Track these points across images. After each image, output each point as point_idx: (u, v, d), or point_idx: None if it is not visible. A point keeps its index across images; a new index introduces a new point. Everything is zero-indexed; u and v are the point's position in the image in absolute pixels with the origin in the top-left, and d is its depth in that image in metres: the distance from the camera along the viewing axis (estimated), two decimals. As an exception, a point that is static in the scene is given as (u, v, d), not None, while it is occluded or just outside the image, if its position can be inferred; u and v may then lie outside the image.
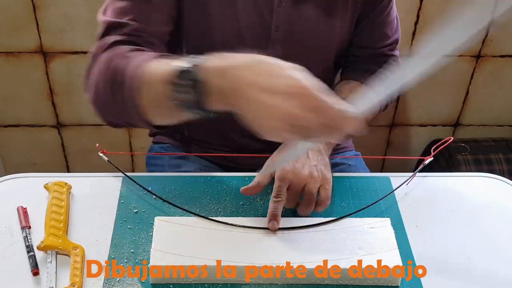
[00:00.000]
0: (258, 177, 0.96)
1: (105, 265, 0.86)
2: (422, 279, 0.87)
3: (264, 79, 0.70)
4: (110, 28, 0.93)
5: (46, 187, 0.98)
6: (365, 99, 0.73)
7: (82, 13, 1.64)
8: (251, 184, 0.96)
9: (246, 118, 0.72)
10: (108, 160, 1.02)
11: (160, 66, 0.78)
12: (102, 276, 0.85)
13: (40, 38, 1.68)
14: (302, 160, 0.93)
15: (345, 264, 0.84)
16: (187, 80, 0.73)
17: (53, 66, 1.74)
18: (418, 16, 1.70)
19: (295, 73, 0.71)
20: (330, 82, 1.16)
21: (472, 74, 1.85)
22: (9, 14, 1.64)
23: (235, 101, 0.71)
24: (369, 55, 1.13)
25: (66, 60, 1.72)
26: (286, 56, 1.02)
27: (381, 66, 1.13)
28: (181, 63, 0.74)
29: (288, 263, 0.84)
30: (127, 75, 0.82)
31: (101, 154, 1.02)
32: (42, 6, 1.63)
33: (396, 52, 1.15)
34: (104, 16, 0.95)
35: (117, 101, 0.85)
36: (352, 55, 1.14)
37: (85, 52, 1.71)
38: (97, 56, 0.91)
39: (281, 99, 0.69)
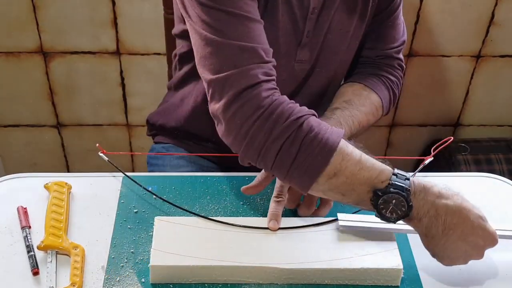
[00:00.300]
0: (259, 176, 0.96)
1: (105, 265, 0.87)
2: (422, 279, 0.87)
3: (466, 230, 0.82)
4: (262, 81, 0.84)
5: (46, 187, 0.98)
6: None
7: (82, 13, 1.64)
8: (252, 183, 0.96)
9: (433, 247, 0.84)
10: (108, 160, 1.02)
11: (365, 167, 0.82)
12: (102, 276, 0.85)
13: (40, 38, 1.68)
14: None
15: (345, 264, 0.84)
16: (400, 204, 0.81)
17: (53, 66, 1.74)
18: (418, 16, 1.70)
19: (489, 227, 0.84)
20: (342, 81, 1.17)
21: (472, 74, 1.85)
22: (9, 14, 1.63)
23: (433, 234, 0.82)
24: (375, 56, 1.13)
25: (66, 60, 1.72)
26: (311, 59, 1.03)
27: (386, 71, 1.13)
28: (396, 180, 0.81)
29: (288, 263, 0.84)
30: (316, 157, 0.81)
31: (101, 154, 1.02)
32: (42, 6, 1.62)
33: (401, 56, 1.15)
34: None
35: (287, 161, 0.82)
36: (359, 56, 1.14)
37: (85, 52, 1.71)
38: (255, 92, 0.83)
39: (472, 247, 0.83)
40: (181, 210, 0.95)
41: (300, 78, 1.07)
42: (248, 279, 0.85)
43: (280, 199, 0.92)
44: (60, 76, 1.76)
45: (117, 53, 1.72)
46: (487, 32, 1.75)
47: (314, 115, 0.86)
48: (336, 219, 0.91)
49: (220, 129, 0.87)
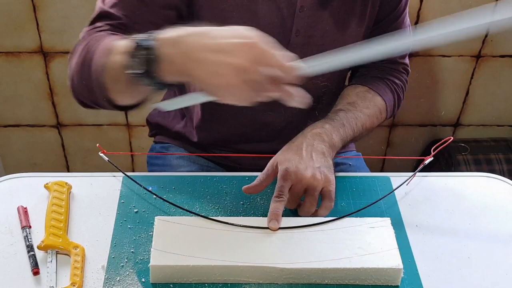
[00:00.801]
0: (260, 176, 0.96)
1: (105, 264, 0.87)
2: (422, 279, 0.87)
3: (212, 41, 0.73)
4: (101, 16, 0.95)
5: (46, 186, 0.98)
6: (318, 61, 0.79)
7: (82, 13, 1.64)
8: (253, 183, 0.97)
9: (200, 83, 0.75)
10: (108, 160, 1.02)
11: (123, 42, 0.81)
12: (102, 275, 0.85)
13: (40, 38, 1.68)
14: (306, 161, 0.93)
15: (345, 264, 0.84)
16: (142, 50, 0.76)
17: (53, 66, 1.74)
18: (418, 16, 1.70)
19: (242, 31, 0.74)
20: (341, 84, 1.16)
21: (472, 74, 1.85)
22: (9, 14, 1.64)
23: (186, 67, 0.74)
24: (380, 61, 1.12)
25: (66, 60, 1.70)
26: (303, 60, 1.03)
27: (391, 74, 1.13)
28: (140, 36, 0.77)
29: (288, 263, 0.84)
30: (96, 53, 0.86)
31: (101, 154, 1.03)
32: (42, 6, 1.63)
33: (407, 60, 1.15)
34: (101, 3, 0.97)
35: (86, 79, 0.88)
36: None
37: (85, 52, 1.71)
38: (83, 39, 0.93)
39: (229, 55, 0.72)
40: (181, 210, 0.95)
41: None
42: (248, 279, 0.85)
43: (281, 199, 0.92)
44: (60, 76, 1.76)
45: (117, 53, 1.72)
46: (487, 32, 1.75)
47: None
48: (336, 219, 0.92)
49: None
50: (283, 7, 0.98)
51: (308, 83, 1.08)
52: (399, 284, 0.86)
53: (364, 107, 1.06)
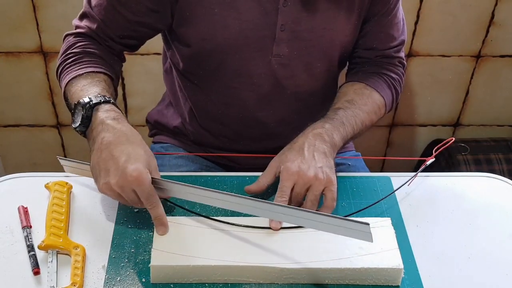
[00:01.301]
0: (262, 176, 0.96)
1: (106, 264, 0.87)
2: (422, 279, 0.87)
3: (104, 173, 0.88)
4: (85, 15, 1.05)
5: (47, 186, 0.98)
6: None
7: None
8: (255, 183, 0.96)
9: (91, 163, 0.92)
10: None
11: (81, 89, 0.97)
12: (103, 275, 0.85)
13: (40, 38, 1.68)
14: (308, 161, 0.93)
15: (345, 264, 0.84)
16: (82, 113, 0.93)
17: (53, 66, 1.73)
18: (418, 16, 1.70)
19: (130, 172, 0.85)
20: (333, 81, 1.16)
21: (472, 74, 1.85)
22: (9, 14, 1.63)
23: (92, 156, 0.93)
24: (375, 56, 1.12)
25: (66, 60, 1.72)
26: (291, 55, 1.03)
27: (387, 69, 1.13)
28: (93, 99, 0.93)
29: (288, 263, 0.84)
30: (65, 76, 1.02)
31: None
32: (42, 6, 1.62)
33: (402, 54, 1.15)
34: (86, 1, 1.04)
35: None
36: (358, 57, 1.14)
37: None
38: (68, 35, 1.07)
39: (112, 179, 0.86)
40: (181, 210, 0.95)
41: (280, 73, 1.07)
42: (248, 279, 0.85)
43: (283, 199, 0.92)
44: (60, 76, 1.76)
45: (117, 53, 1.71)
46: (487, 32, 1.75)
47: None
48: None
49: None
50: (265, 2, 0.98)
51: (296, 85, 1.09)
52: (399, 284, 0.86)
53: (363, 104, 1.06)
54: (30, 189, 0.99)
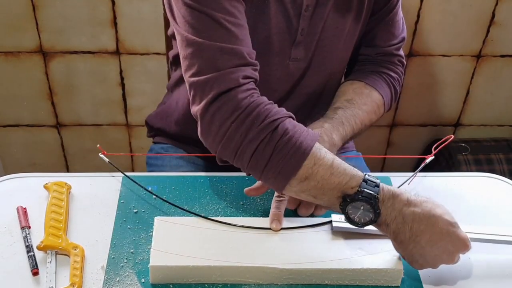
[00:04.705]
0: None
1: (105, 265, 0.86)
2: (422, 280, 0.86)
3: (434, 236, 0.81)
4: (243, 64, 0.86)
5: (46, 187, 0.97)
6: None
7: (82, 13, 1.63)
8: (255, 185, 0.96)
9: (402, 251, 0.84)
10: (109, 161, 1.01)
11: (337, 172, 0.83)
12: (102, 276, 0.85)
13: (39, 38, 1.68)
14: None
15: (345, 264, 0.84)
16: (365, 207, 0.82)
17: (53, 66, 1.73)
18: (418, 16, 1.70)
19: (460, 233, 0.83)
20: (340, 80, 1.16)
21: (473, 74, 1.84)
22: (9, 14, 1.63)
23: (401, 239, 0.82)
24: (375, 54, 1.12)
25: (66, 60, 1.72)
26: (306, 58, 1.03)
27: (386, 67, 1.13)
28: (365, 187, 0.82)
29: (288, 263, 0.83)
30: (292, 152, 0.83)
31: (101, 156, 1.02)
32: (41, 6, 1.62)
33: (401, 52, 1.15)
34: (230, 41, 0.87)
35: (263, 162, 0.83)
36: (359, 54, 1.14)
37: (84, 52, 1.71)
38: (233, 94, 0.84)
39: (442, 252, 0.82)
40: (181, 210, 0.95)
41: (296, 76, 1.07)
42: (248, 279, 0.85)
43: (282, 198, 0.91)
44: (60, 76, 1.76)
45: (117, 53, 1.71)
46: (488, 32, 1.75)
47: (291, 117, 0.87)
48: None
49: (199, 130, 0.88)
50: (290, 7, 0.98)
51: (307, 86, 1.09)
52: (399, 285, 0.85)
53: (362, 104, 1.06)
54: (29, 189, 0.99)
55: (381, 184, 0.83)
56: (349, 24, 1.04)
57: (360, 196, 0.81)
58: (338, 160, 0.84)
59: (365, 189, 0.81)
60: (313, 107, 1.14)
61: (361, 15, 1.05)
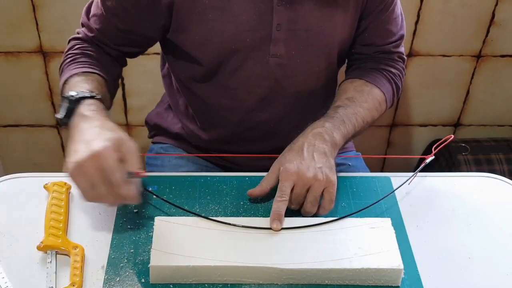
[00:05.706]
0: (264, 179, 0.96)
1: (105, 265, 0.86)
2: (422, 279, 0.86)
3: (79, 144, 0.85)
4: (83, 25, 1.11)
5: (45, 187, 0.97)
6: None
7: (82, 13, 1.63)
8: (258, 186, 0.96)
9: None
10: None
11: (73, 85, 0.98)
12: (102, 276, 0.85)
13: (39, 38, 1.68)
14: (307, 162, 0.93)
15: (345, 264, 0.84)
16: (67, 106, 0.92)
17: (53, 66, 1.73)
18: (418, 16, 1.70)
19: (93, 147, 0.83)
20: (333, 79, 1.16)
21: (473, 74, 1.84)
22: (9, 14, 1.63)
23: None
24: (373, 52, 1.12)
25: (66, 60, 1.72)
26: (289, 55, 1.03)
27: (386, 64, 1.12)
28: (80, 93, 0.93)
29: (288, 263, 0.83)
30: (63, 75, 1.04)
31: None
32: (41, 6, 1.62)
33: (401, 49, 1.14)
34: (87, 10, 1.09)
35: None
36: (357, 53, 1.14)
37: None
38: (70, 40, 1.13)
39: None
40: (181, 210, 0.95)
41: (278, 73, 1.06)
42: (248, 279, 0.85)
43: (283, 199, 0.91)
44: (60, 76, 1.75)
45: (117, 53, 1.71)
46: (488, 32, 1.75)
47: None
48: (337, 219, 0.91)
49: None
50: (260, 1, 0.98)
51: (295, 85, 1.09)
52: (399, 285, 0.85)
53: (363, 101, 1.06)
54: (29, 189, 0.99)
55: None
56: (337, 21, 1.03)
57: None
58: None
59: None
60: (305, 106, 1.13)
61: (348, 11, 1.03)
